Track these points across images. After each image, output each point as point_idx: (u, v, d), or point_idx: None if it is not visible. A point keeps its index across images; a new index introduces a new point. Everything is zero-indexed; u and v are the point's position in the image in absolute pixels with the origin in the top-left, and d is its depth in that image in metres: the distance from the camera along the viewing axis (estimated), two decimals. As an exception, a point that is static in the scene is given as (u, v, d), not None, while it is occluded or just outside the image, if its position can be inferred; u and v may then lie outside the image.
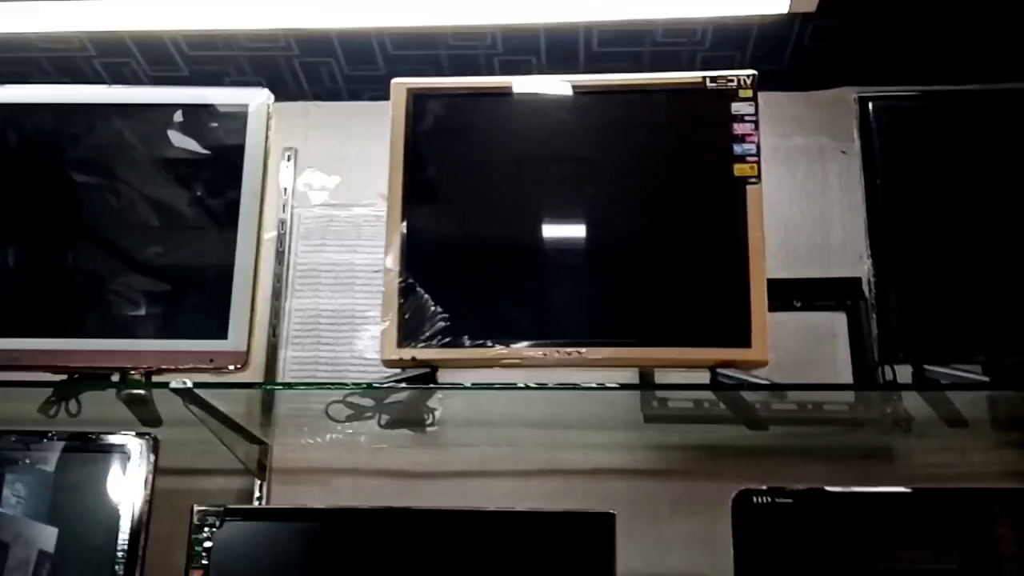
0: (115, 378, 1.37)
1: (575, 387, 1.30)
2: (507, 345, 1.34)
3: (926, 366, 1.31)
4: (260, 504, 1.55)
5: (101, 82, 1.70)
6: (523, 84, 1.46)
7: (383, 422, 1.45)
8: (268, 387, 1.52)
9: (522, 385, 1.31)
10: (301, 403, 1.54)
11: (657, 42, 1.62)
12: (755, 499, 1.23)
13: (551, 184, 1.43)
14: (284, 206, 1.73)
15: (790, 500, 1.24)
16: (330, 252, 1.72)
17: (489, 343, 1.34)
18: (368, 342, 1.64)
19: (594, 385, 1.30)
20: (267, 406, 1.55)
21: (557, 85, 1.45)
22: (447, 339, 1.34)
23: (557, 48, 1.64)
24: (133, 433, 1.36)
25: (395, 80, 1.46)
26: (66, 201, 1.45)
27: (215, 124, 1.47)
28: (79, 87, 1.53)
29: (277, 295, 1.67)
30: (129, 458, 1.33)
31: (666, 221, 1.38)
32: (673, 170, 1.41)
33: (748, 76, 1.40)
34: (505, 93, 1.46)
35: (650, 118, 1.45)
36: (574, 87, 1.46)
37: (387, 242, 1.40)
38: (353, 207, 1.73)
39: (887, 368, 1.36)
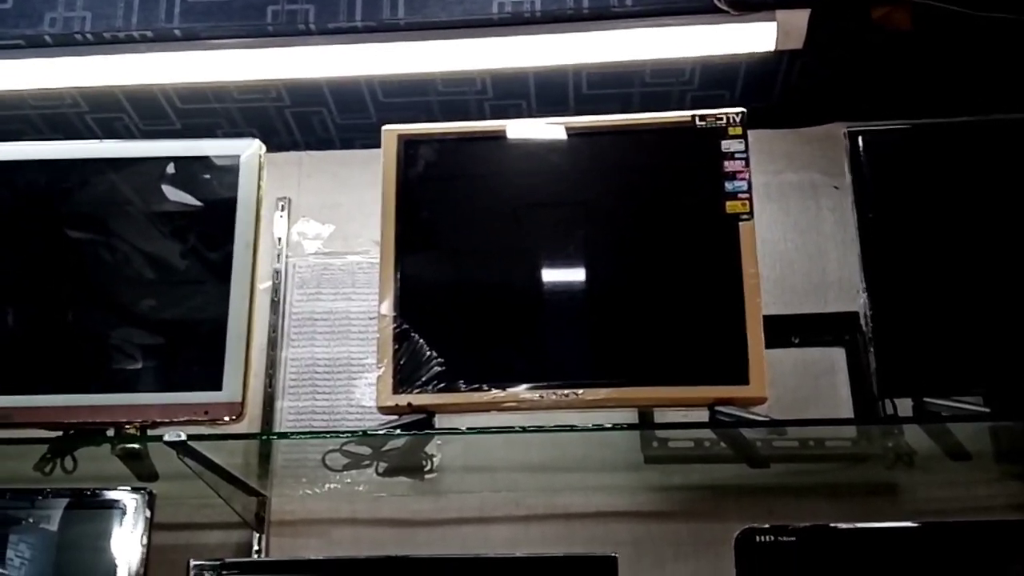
0: (110, 433, 1.36)
1: (572, 428, 1.29)
2: (503, 388, 1.33)
3: (927, 399, 1.30)
4: (259, 557, 1.53)
5: (94, 137, 1.70)
6: (514, 128, 1.46)
7: (381, 470, 1.44)
8: (264, 437, 1.51)
9: (519, 428, 1.30)
10: (299, 453, 1.53)
11: (646, 83, 1.62)
12: (758, 538, 1.22)
13: (545, 226, 1.43)
14: (279, 256, 1.73)
15: (794, 538, 1.22)
16: (325, 300, 1.72)
17: (485, 387, 1.33)
18: (365, 390, 1.63)
19: (591, 426, 1.29)
20: (264, 457, 1.54)
21: (547, 128, 1.45)
22: (443, 384, 1.33)
23: (547, 91, 1.64)
24: (129, 488, 1.34)
25: (386, 127, 1.46)
26: (59, 256, 1.44)
27: (208, 176, 1.47)
28: (72, 143, 1.55)
29: (273, 345, 1.67)
30: (125, 514, 1.31)
31: (660, 260, 1.38)
32: (665, 209, 1.41)
33: (737, 113, 1.41)
34: (497, 137, 1.47)
35: (641, 158, 1.45)
36: (566, 129, 1.46)
37: (381, 288, 1.39)
38: (347, 255, 1.73)
39: (887, 402, 1.35)
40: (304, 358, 1.68)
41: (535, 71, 1.59)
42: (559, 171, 1.45)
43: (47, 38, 1.48)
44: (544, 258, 1.41)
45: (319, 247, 1.75)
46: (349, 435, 1.35)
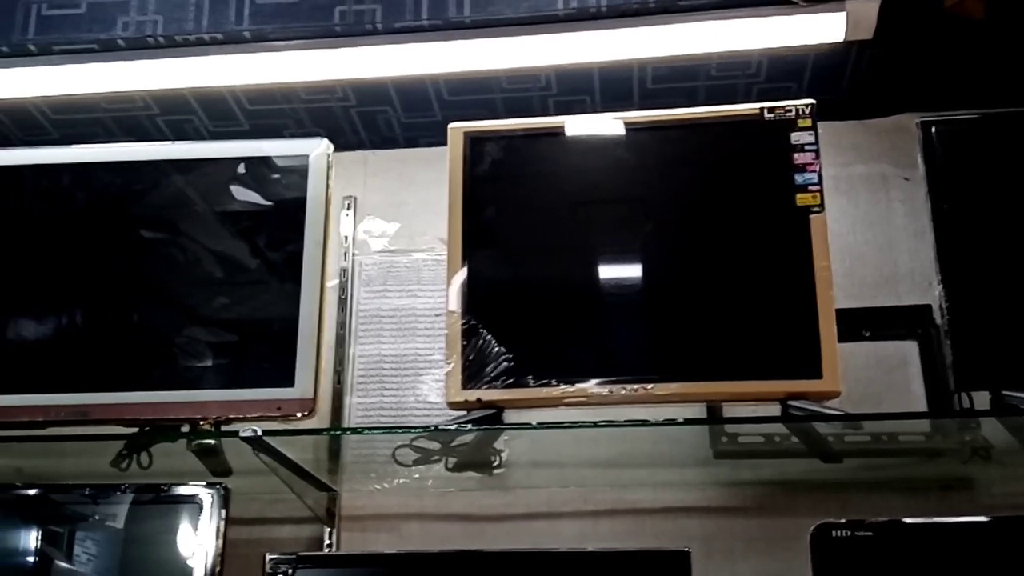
0: (185, 429, 1.38)
1: (644, 423, 1.29)
2: (572, 384, 1.32)
3: (1005, 391, 1.28)
4: (330, 551, 1.54)
5: (164, 139, 1.73)
6: (578, 123, 1.46)
7: (450, 465, 1.45)
8: (337, 433, 1.52)
9: (589, 423, 1.30)
10: (367, 449, 1.54)
11: (712, 76, 1.61)
12: (834, 533, 1.20)
13: (610, 221, 1.43)
14: (345, 254, 1.74)
15: (870, 533, 1.20)
16: (391, 298, 1.73)
17: (554, 382, 1.33)
18: (432, 386, 1.64)
19: (663, 420, 1.29)
20: (334, 453, 1.55)
21: (612, 123, 1.45)
22: (512, 379, 1.34)
23: (611, 87, 1.64)
24: (204, 484, 1.36)
25: (452, 124, 1.47)
26: (133, 257, 1.47)
27: (277, 175, 1.49)
28: (143, 144, 1.56)
29: (341, 342, 1.68)
30: (201, 509, 1.34)
31: (729, 254, 1.37)
32: (733, 202, 1.40)
33: (806, 105, 1.39)
34: (560, 133, 1.46)
35: (707, 152, 1.44)
36: (628, 125, 1.46)
37: (448, 285, 1.40)
38: (413, 252, 1.74)
39: (964, 395, 1.33)
40: (371, 355, 1.69)
41: (600, 66, 1.58)
42: (625, 166, 1.45)
43: (120, 42, 1.50)
44: (610, 253, 1.40)
45: (385, 245, 1.76)
46: (421, 431, 1.35)
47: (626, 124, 1.46)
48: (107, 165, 1.52)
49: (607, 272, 1.40)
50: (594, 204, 1.44)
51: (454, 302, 1.39)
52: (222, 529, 1.33)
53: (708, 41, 1.49)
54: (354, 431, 1.47)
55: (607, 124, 1.45)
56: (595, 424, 1.29)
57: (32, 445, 1.41)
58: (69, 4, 1.50)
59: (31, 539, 1.37)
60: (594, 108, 1.67)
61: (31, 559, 1.36)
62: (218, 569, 1.32)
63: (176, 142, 1.62)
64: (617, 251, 1.40)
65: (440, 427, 1.34)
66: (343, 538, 1.58)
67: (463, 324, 1.37)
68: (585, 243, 1.41)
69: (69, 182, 1.51)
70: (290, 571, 1.27)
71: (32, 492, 1.40)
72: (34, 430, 1.41)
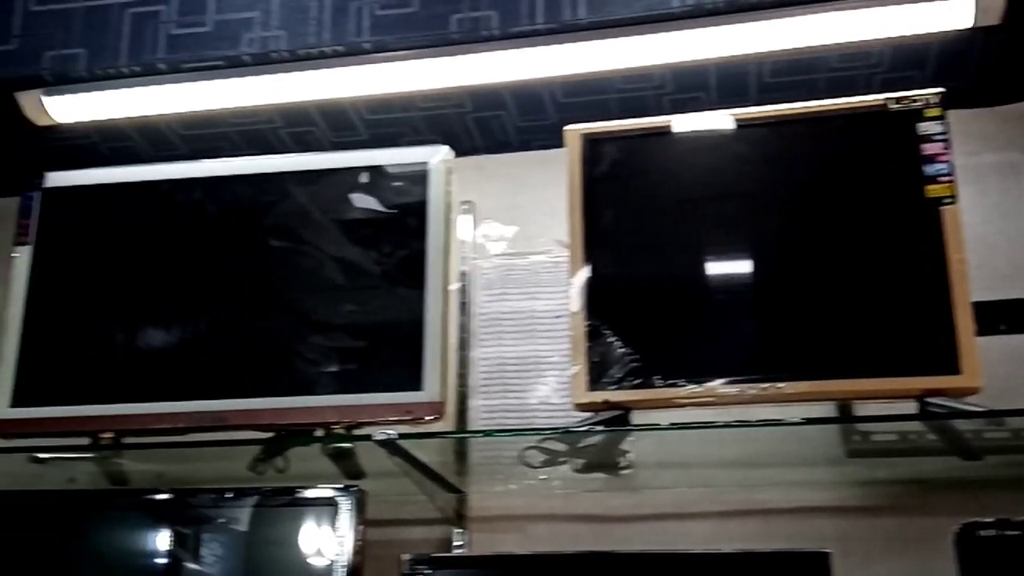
0: (319, 433, 1.42)
1: (778, 423, 1.27)
2: (700, 383, 1.32)
3: None
4: (462, 552, 1.56)
5: (287, 151, 1.77)
6: (696, 121, 1.46)
7: (577, 467, 1.45)
8: (472, 435, 1.53)
9: (721, 423, 1.29)
10: (493, 450, 1.55)
11: (832, 68, 1.58)
12: (980, 532, 1.17)
13: (733, 218, 1.42)
14: (464, 258, 1.76)
15: (1018, 532, 1.17)
16: (511, 300, 1.74)
17: (682, 382, 1.32)
18: (554, 387, 1.64)
19: (801, 420, 1.27)
20: (460, 455, 1.57)
21: (731, 120, 1.44)
22: (639, 380, 1.34)
23: (728, 82, 1.62)
24: (341, 486, 1.39)
25: (568, 127, 1.48)
26: (263, 266, 1.51)
27: (398, 183, 1.51)
28: (268, 157, 1.60)
29: (463, 345, 1.70)
30: (338, 511, 1.37)
31: (856, 248, 1.35)
32: (858, 196, 1.37)
33: (935, 94, 1.36)
34: (678, 131, 1.46)
35: (830, 145, 1.42)
36: (748, 120, 1.45)
37: (571, 287, 1.41)
38: (530, 255, 1.75)
39: (1111, 389, 1.28)
40: (493, 357, 1.70)
41: (716, 62, 1.57)
42: (745, 162, 1.43)
43: (245, 58, 1.54)
44: (733, 250, 1.39)
45: (503, 248, 1.78)
46: (552, 433, 1.36)
47: (745, 120, 1.45)
48: (236, 178, 1.57)
49: (730, 269, 1.39)
50: (714, 201, 1.44)
51: (577, 304, 1.39)
52: (360, 531, 1.36)
53: (829, 33, 1.46)
54: (488, 433, 1.48)
55: (725, 121, 1.44)
56: (727, 425, 1.28)
57: (172, 451, 1.47)
58: (196, 23, 1.55)
59: (172, 542, 1.41)
60: (710, 105, 1.65)
61: (174, 562, 1.40)
62: (357, 570, 1.34)
63: (300, 154, 1.66)
64: (740, 248, 1.39)
65: (570, 429, 1.35)
66: (472, 539, 1.60)
67: (587, 325, 1.37)
68: (706, 241, 1.40)
69: (201, 195, 1.57)
70: (429, 572, 1.29)
71: (174, 496, 1.45)
72: (174, 436, 1.46)
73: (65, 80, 1.55)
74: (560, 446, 1.41)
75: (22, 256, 1.55)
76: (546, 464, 1.42)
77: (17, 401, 1.49)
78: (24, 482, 1.53)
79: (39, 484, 1.53)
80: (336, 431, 1.41)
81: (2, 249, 1.84)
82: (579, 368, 1.36)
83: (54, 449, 1.47)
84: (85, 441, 1.47)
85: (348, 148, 1.66)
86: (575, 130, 1.49)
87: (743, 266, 1.39)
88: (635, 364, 1.35)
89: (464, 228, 1.77)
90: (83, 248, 1.56)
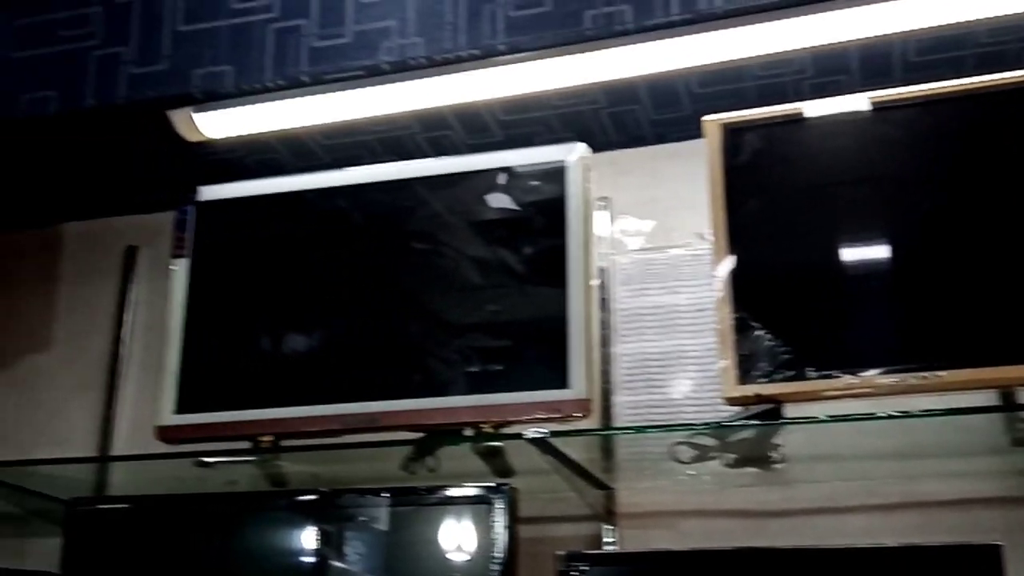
0: (468, 432, 1.44)
1: (949, 412, 1.22)
2: (855, 374, 1.29)
3: None
4: (614, 549, 1.56)
5: (424, 156, 1.80)
6: (837, 105, 1.43)
7: (728, 461, 1.43)
8: (624, 432, 1.52)
9: (883, 414, 1.25)
10: (639, 446, 1.54)
11: (981, 43, 1.52)
12: None
13: (879, 203, 1.38)
14: (601, 254, 1.76)
15: None
16: (651, 295, 1.73)
17: (837, 373, 1.29)
18: (700, 381, 1.63)
19: (969, 408, 1.22)
20: (607, 452, 1.57)
21: (875, 102, 1.41)
22: (791, 372, 1.31)
23: (870, 64, 1.58)
24: (493, 484, 1.41)
25: (707, 117, 1.46)
26: (408, 269, 1.54)
27: (535, 183, 1.53)
28: (407, 163, 1.63)
29: (604, 341, 1.70)
30: (491, 509, 1.38)
31: (1011, 230, 1.30)
32: (1010, 175, 1.32)
33: (1098, 65, 1.29)
34: (821, 116, 1.43)
35: (977, 123, 1.37)
36: (893, 102, 1.41)
37: (715, 279, 1.39)
38: (669, 249, 1.73)
39: None
40: (635, 353, 1.70)
41: (858, 44, 1.52)
42: (892, 145, 1.40)
43: (384, 66, 1.57)
44: (882, 235, 1.36)
45: (641, 243, 1.77)
46: (703, 427, 1.35)
47: (891, 101, 1.42)
48: (376, 185, 1.61)
49: (879, 255, 1.36)
50: (858, 185, 1.40)
51: (723, 296, 1.38)
52: (512, 528, 1.37)
53: (976, 6, 1.40)
54: (640, 430, 1.47)
55: (869, 104, 1.41)
56: (889, 416, 1.24)
57: (328, 452, 1.51)
58: (336, 35, 1.59)
59: (328, 542, 1.45)
60: (851, 88, 1.60)
61: (331, 561, 1.44)
62: (510, 567, 1.36)
63: (437, 158, 1.68)
64: (888, 233, 1.36)
65: (723, 424, 1.33)
66: (623, 535, 1.60)
67: (734, 318, 1.36)
68: (852, 227, 1.38)
69: (343, 203, 1.61)
70: (584, 568, 1.29)
71: (329, 496, 1.49)
72: (328, 438, 1.50)
73: (214, 97, 1.61)
74: (710, 441, 1.39)
75: (180, 269, 1.63)
76: (696, 459, 1.41)
77: (181, 408, 1.56)
78: (188, 485, 1.60)
79: (202, 487, 1.60)
80: (485, 430, 1.42)
81: (159, 262, 1.94)
82: (728, 362, 1.34)
83: (217, 454, 1.53)
84: (246, 445, 1.52)
85: (483, 150, 1.68)
86: (714, 120, 1.47)
87: (892, 252, 1.35)
88: (786, 356, 1.33)
89: (601, 224, 1.77)
90: (236, 258, 1.62)
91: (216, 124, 1.66)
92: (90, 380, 1.97)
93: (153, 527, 1.56)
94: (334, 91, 1.61)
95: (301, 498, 1.50)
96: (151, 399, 1.65)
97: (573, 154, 1.52)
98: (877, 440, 1.39)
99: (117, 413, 1.93)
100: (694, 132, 1.52)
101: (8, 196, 2.01)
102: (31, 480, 1.66)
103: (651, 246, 1.75)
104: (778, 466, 1.46)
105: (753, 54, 1.51)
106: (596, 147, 1.76)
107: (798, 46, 1.49)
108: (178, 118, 1.64)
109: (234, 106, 1.61)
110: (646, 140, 1.80)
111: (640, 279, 1.74)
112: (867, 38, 1.48)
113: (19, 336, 2.07)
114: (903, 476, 1.49)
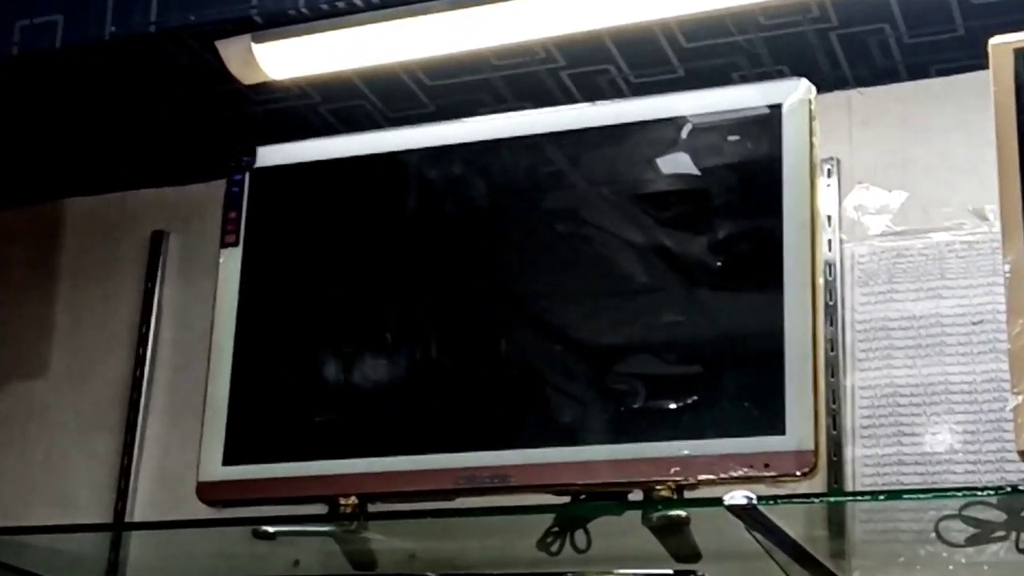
0: (635, 496, 1.45)
1: None
2: None
3: None
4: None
5: (570, 100, 1.84)
6: None
7: (1022, 544, 1.42)
8: (860, 499, 1.53)
9: None
10: (886, 521, 1.54)
11: None
12: None
13: None
14: (829, 243, 1.76)
15: None
16: (902, 301, 1.73)
17: None
18: (975, 426, 1.62)
19: None
20: (838, 527, 1.57)
21: None
22: (1120, 414, 1.30)
23: None
24: (671, 572, 1.42)
25: (995, 39, 1.44)
26: (544, 264, 1.56)
27: (735, 137, 1.53)
28: (545, 111, 1.65)
29: (834, 369, 1.70)
30: (667, 606, 1.41)
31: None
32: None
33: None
34: None
35: None
36: None
37: (1004, 278, 1.38)
38: (930, 233, 1.73)
39: None
40: (879, 385, 1.70)
41: None
42: None
43: (514, -21, 1.61)
44: None
45: (886, 225, 1.76)
46: (983, 493, 1.33)
47: None
48: (504, 143, 1.62)
49: None
50: None
51: (1016, 301, 1.37)
52: (700, 634, 1.39)
53: None
54: (893, 495, 1.46)
55: None
56: None
57: (429, 523, 1.53)
58: (447, -68, 1.64)
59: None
60: None
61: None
62: None
63: (588, 104, 1.70)
64: None
65: (1015, 487, 1.32)
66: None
67: (1028, 334, 1.35)
68: None
69: (459, 169, 1.63)
70: None
71: (436, 585, 1.53)
72: (433, 501, 1.54)
73: (279, 21, 1.66)
74: (994, 514, 1.38)
75: (230, 262, 1.67)
76: (974, 541, 1.40)
77: (231, 458, 1.60)
78: (238, 565, 1.65)
79: (259, 568, 1.65)
80: (661, 493, 1.44)
81: (197, 252, 2.01)
82: (1023, 398, 1.33)
83: (280, 521, 1.56)
84: (321, 510, 1.56)
85: (659, 90, 1.70)
86: (1006, 43, 1.45)
87: None
88: (1113, 389, 1.31)
89: (827, 198, 1.77)
90: (307, 247, 1.66)
91: (282, 59, 1.71)
92: (101, 417, 2.07)
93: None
94: (442, 11, 1.65)
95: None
96: (186, 444, 1.72)
97: (792, 95, 1.52)
98: None
99: (138, 463, 2.01)
100: (971, 61, 1.53)
101: (-9, 161, 2.11)
102: (22, 556, 1.71)
103: (902, 229, 1.75)
104: (1098, 553, 1.45)
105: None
106: (821, 86, 1.77)
107: None
108: (230, 50, 1.68)
109: (307, 33, 1.66)
110: (896, 74, 1.81)
111: (886, 278, 1.74)
112: None
113: (5, 357, 2.17)
114: None
